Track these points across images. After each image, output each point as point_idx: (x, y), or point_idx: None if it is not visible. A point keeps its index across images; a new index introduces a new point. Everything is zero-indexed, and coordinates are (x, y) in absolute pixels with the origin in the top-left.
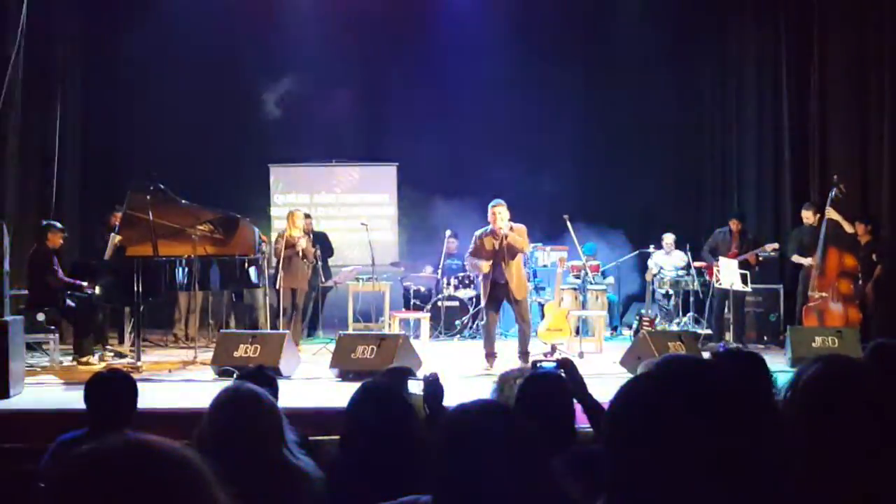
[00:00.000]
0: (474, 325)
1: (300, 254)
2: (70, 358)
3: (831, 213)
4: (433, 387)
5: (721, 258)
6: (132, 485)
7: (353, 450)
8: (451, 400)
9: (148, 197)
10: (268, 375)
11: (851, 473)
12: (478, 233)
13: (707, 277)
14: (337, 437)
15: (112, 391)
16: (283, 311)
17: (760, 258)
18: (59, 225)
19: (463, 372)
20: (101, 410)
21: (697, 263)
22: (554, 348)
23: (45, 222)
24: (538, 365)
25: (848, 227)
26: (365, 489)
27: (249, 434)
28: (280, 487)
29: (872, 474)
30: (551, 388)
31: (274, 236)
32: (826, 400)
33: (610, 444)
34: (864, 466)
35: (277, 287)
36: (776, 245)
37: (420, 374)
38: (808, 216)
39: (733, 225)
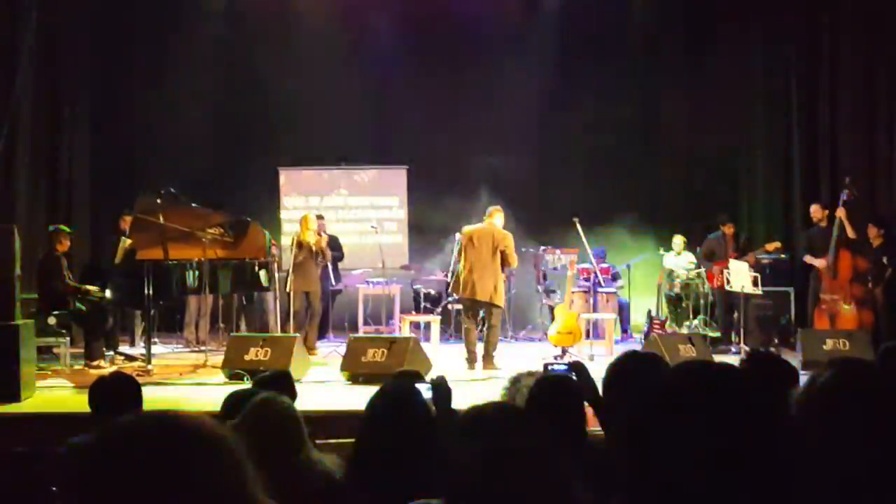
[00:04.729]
0: (484, 328)
1: (317, 253)
2: (81, 361)
3: (840, 213)
4: (441, 389)
5: (732, 262)
6: (155, 452)
7: (370, 453)
8: (460, 403)
9: (158, 200)
10: (289, 382)
11: (864, 479)
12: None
13: (708, 282)
14: (347, 440)
15: (115, 394)
16: (296, 314)
17: (765, 260)
18: (67, 229)
19: (472, 375)
20: (104, 414)
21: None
22: (564, 351)
23: (52, 227)
24: (549, 367)
25: (851, 233)
26: (380, 492)
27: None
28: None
29: (886, 480)
30: (562, 390)
31: (286, 240)
32: (841, 405)
33: (626, 445)
34: (878, 472)
35: (288, 290)
36: (778, 244)
37: (429, 377)
38: (815, 210)
39: (727, 229)
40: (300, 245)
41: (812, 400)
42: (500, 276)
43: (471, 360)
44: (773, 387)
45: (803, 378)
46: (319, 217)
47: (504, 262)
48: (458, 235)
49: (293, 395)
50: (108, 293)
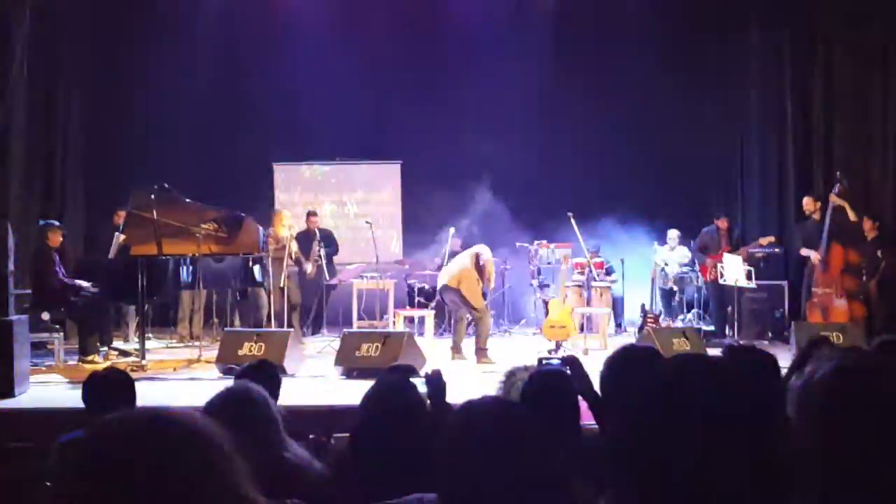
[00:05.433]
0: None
1: (290, 255)
2: (75, 357)
3: (835, 199)
4: (436, 383)
5: (726, 255)
6: (147, 450)
7: (365, 447)
8: (455, 397)
9: (152, 196)
10: (271, 370)
11: (868, 475)
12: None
13: (701, 276)
14: (342, 434)
15: (109, 389)
16: (278, 314)
17: (759, 254)
18: (57, 223)
19: (467, 369)
20: (97, 409)
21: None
22: (559, 345)
23: (43, 222)
24: (543, 362)
25: (852, 215)
26: (373, 487)
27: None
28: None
29: (889, 475)
30: (556, 384)
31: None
32: (844, 398)
33: (623, 439)
34: (881, 467)
35: (281, 286)
36: (772, 238)
37: (423, 371)
38: (808, 202)
39: (721, 224)
40: (274, 240)
41: (812, 395)
42: (470, 273)
43: (454, 350)
44: (754, 379)
45: (786, 371)
46: (313, 213)
47: (479, 268)
48: (451, 230)
49: (276, 384)
50: (102, 289)
